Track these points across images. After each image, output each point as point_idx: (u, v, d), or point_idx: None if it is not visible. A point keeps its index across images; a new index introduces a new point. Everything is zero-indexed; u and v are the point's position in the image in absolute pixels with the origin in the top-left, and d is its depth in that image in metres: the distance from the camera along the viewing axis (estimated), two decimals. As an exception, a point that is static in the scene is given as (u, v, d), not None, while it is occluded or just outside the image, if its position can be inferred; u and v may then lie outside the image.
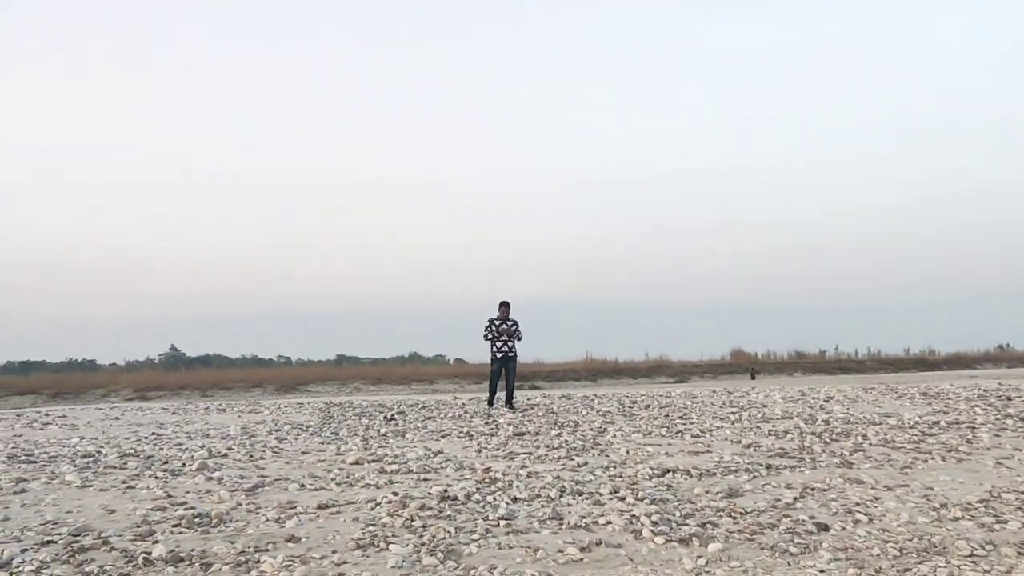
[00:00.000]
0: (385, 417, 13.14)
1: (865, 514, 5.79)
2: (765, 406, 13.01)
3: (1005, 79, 76.03)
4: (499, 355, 13.44)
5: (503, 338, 13.38)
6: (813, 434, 9.68)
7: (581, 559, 4.96)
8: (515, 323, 13.52)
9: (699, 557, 4.94)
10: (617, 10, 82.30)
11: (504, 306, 13.42)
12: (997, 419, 10.55)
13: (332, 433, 11.21)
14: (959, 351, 36.78)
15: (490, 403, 13.88)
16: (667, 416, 12.13)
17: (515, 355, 13.57)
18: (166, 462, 8.69)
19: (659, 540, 5.25)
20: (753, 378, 29.01)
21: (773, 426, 10.53)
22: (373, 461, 8.55)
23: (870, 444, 8.87)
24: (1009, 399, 12.86)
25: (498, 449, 9.32)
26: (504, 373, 13.51)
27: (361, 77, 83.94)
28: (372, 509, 6.24)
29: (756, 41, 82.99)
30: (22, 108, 73.09)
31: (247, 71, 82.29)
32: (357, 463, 8.44)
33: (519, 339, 13.55)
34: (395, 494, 6.70)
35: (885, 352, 36.51)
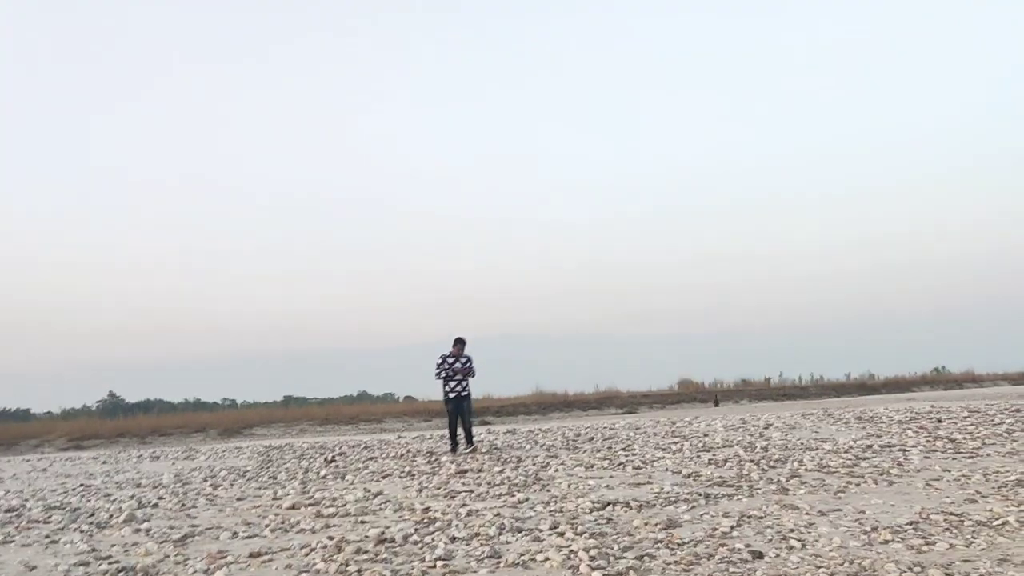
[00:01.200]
0: (325, 459, 12.92)
1: (799, 540, 5.84)
2: (706, 435, 13.11)
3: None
4: (452, 395, 12.62)
5: (456, 377, 12.58)
6: (752, 461, 9.77)
7: (517, 597, 4.90)
8: (468, 360, 12.77)
9: (635, 591, 4.92)
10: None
11: (458, 343, 12.69)
12: (928, 441, 10.78)
13: (270, 477, 10.97)
14: (898, 375, 37.73)
15: (453, 448, 12.79)
16: (610, 448, 12.14)
17: (469, 394, 12.83)
18: (92, 514, 8.38)
19: (596, 575, 5.22)
20: (716, 405, 29.31)
21: (714, 455, 10.61)
22: (310, 505, 8.37)
23: (806, 470, 8.98)
24: (940, 421, 13.18)
25: (439, 488, 9.20)
26: (460, 413, 12.73)
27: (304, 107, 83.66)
28: (306, 555, 6.10)
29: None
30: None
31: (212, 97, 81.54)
32: (293, 508, 8.26)
33: (472, 376, 12.83)
34: (331, 538, 6.56)
35: (828, 378, 37.27)
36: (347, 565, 5.68)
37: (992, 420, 12.76)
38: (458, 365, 12.58)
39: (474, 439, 12.96)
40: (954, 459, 9.28)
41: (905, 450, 10.08)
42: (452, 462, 11.55)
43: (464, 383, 12.65)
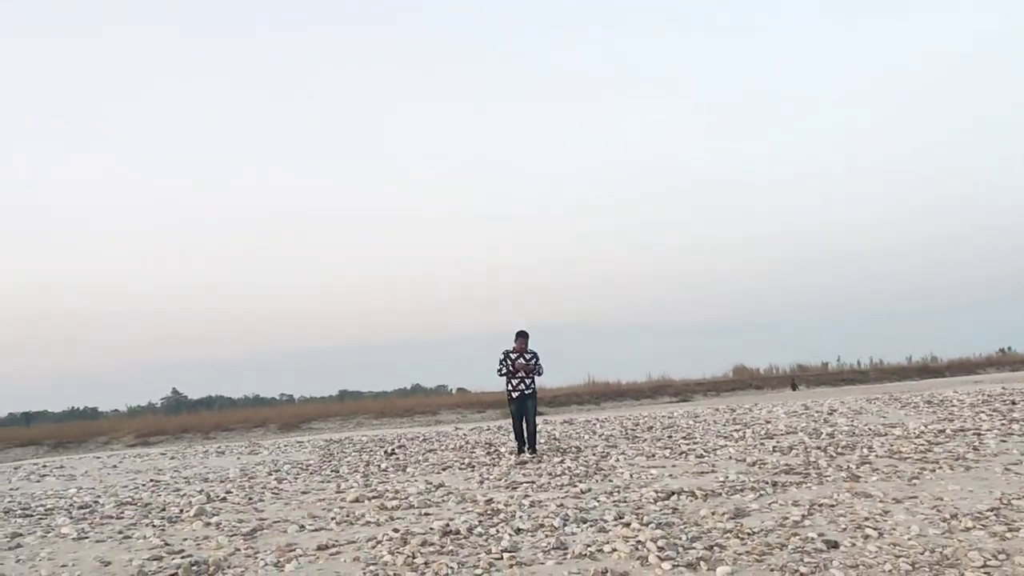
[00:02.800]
0: (385, 452, 13.01)
1: (875, 529, 5.69)
2: (768, 422, 12.88)
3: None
4: (515, 394, 11.47)
5: (519, 374, 11.42)
6: (818, 448, 9.57)
7: (587, 589, 4.85)
8: (534, 356, 11.57)
9: (707, 581, 4.84)
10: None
11: (521, 337, 11.49)
12: (1003, 424, 10.44)
13: (332, 471, 11.08)
14: (962, 357, 36.59)
15: (519, 449, 11.55)
16: (670, 437, 12.00)
17: (534, 392, 11.64)
18: (163, 509, 8.55)
19: (666, 566, 5.14)
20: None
21: (777, 442, 10.42)
22: (374, 498, 8.42)
23: (876, 456, 8.76)
24: (1014, 403, 12.75)
25: (500, 479, 9.19)
26: (524, 413, 11.54)
27: (360, 114, 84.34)
28: (373, 548, 6.12)
29: (737, 56, 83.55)
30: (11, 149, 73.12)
31: (245, 111, 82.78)
32: (357, 500, 8.32)
33: (539, 374, 11.64)
34: (396, 531, 6.58)
35: (888, 361, 36.35)
36: (414, 557, 5.68)
37: (1070, 401, 12.31)
38: (521, 362, 11.43)
39: (537, 445, 11.68)
40: (1032, 442, 8.97)
41: (980, 434, 9.77)
42: (511, 453, 11.55)
43: (529, 381, 11.53)
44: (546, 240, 75.87)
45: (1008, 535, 5.32)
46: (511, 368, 11.39)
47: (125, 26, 78.84)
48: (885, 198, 74.25)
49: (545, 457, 10.75)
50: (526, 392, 11.50)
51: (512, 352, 11.45)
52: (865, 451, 9.13)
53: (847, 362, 36.46)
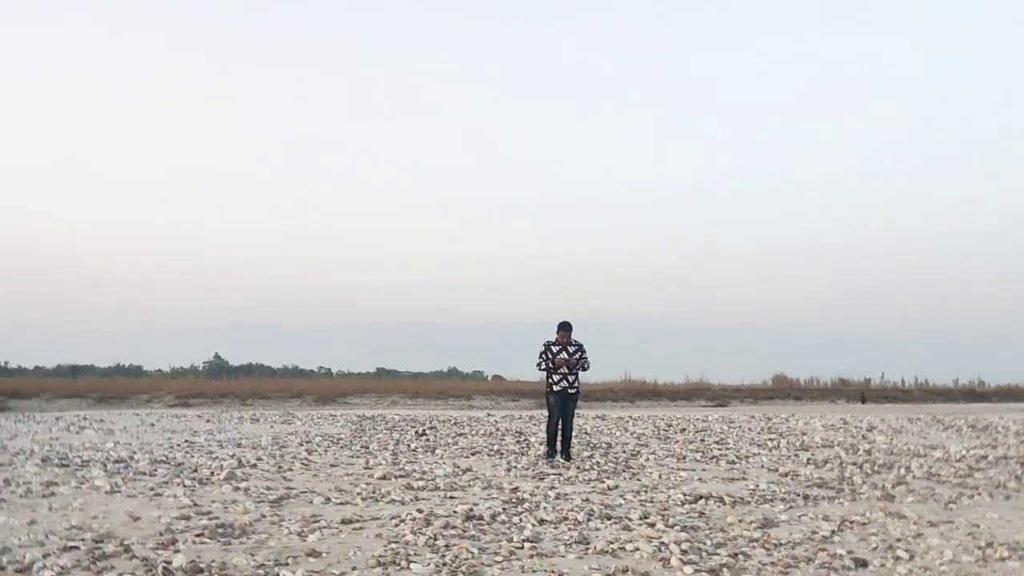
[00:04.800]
0: (416, 432, 13.08)
1: (906, 551, 5.54)
2: (805, 434, 12.69)
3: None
4: (556, 389, 10.20)
5: (561, 370, 10.17)
6: (854, 464, 9.38)
7: (607, 586, 4.81)
8: (579, 348, 10.29)
9: (729, 589, 4.76)
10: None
11: (563, 328, 10.27)
12: (1049, 455, 10.14)
13: (362, 446, 11.17)
14: (1010, 383, 35.58)
15: (549, 453, 10.22)
16: (703, 441, 11.88)
17: (577, 391, 10.35)
18: (195, 470, 8.71)
19: (688, 569, 5.07)
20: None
21: (812, 455, 10.24)
22: (400, 476, 8.47)
23: (914, 477, 8.55)
24: (1062, 435, 12.38)
25: (528, 469, 9.18)
26: (563, 415, 10.24)
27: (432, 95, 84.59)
28: (396, 526, 6.14)
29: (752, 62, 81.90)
30: (60, 119, 74.69)
31: (293, 87, 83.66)
32: (384, 478, 8.37)
33: (584, 369, 10.35)
34: (420, 511, 6.60)
35: (933, 382, 35.46)
36: (435, 539, 5.69)
37: (1121, 438, 11.90)
38: (564, 355, 10.18)
39: (572, 450, 10.43)
40: (1079, 477, 8.68)
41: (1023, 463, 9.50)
42: (541, 443, 11.46)
43: (572, 378, 10.25)
44: (594, 233, 75.62)
45: (1046, 569, 5.15)
46: (551, 362, 10.20)
47: None
48: (951, 209, 72.07)
49: (574, 451, 10.70)
50: (569, 391, 10.22)
51: (554, 344, 10.26)
52: (902, 471, 8.92)
53: (891, 380, 35.70)
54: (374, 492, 7.55)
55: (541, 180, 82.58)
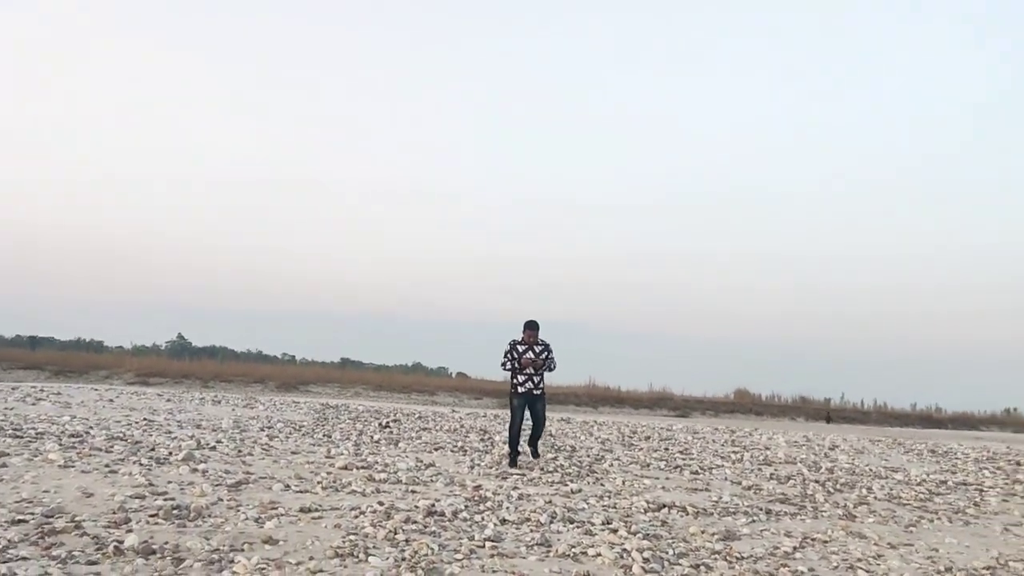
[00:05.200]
0: (380, 424, 12.95)
1: (867, 571, 5.54)
2: (768, 448, 12.74)
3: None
4: (521, 390, 9.77)
5: (527, 370, 9.76)
6: (816, 482, 9.41)
7: (567, 590, 4.75)
8: (546, 349, 9.89)
9: (690, 600, 4.72)
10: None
11: (530, 327, 9.84)
12: (1006, 484, 10.24)
13: (325, 435, 11.02)
14: (965, 411, 36.19)
15: (512, 461, 9.60)
16: (667, 449, 11.88)
17: (543, 393, 9.90)
18: (153, 449, 8.52)
19: (649, 578, 5.03)
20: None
21: (775, 470, 10.27)
22: (362, 468, 8.35)
23: (875, 498, 8.59)
24: (1019, 464, 12.54)
25: (491, 467, 9.10)
26: (532, 418, 9.89)
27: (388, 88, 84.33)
28: (355, 517, 6.04)
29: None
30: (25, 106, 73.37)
31: (280, 75, 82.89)
32: (346, 468, 8.25)
33: (550, 370, 9.97)
34: (381, 504, 6.50)
35: (891, 406, 35.95)
36: (395, 533, 5.60)
37: (1076, 471, 12.07)
38: (530, 355, 9.76)
39: (540, 452, 10.15)
40: (1034, 506, 8.78)
41: (982, 490, 9.59)
42: (488, 437, 11.39)
43: (537, 378, 9.83)
44: (564, 235, 75.72)
45: (1003, 597, 5.17)
46: (517, 362, 9.79)
47: None
48: (917, 233, 73.00)
49: (539, 452, 10.63)
50: (534, 391, 9.79)
51: (520, 343, 9.87)
52: (864, 491, 8.96)
53: (850, 400, 36.12)
54: (335, 482, 7.43)
55: (514, 179, 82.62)
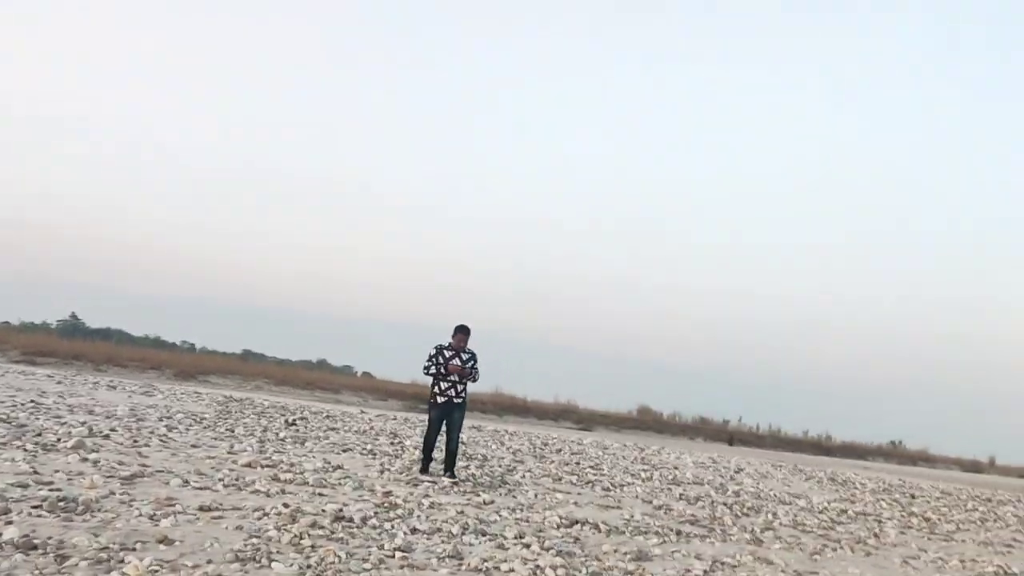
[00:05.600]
0: (286, 421, 12.48)
1: (776, 598, 5.56)
2: (676, 468, 12.85)
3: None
4: (441, 399, 9.23)
5: (451, 377, 9.24)
6: (724, 504, 9.50)
7: (479, 607, 4.58)
8: (472, 358, 9.38)
9: (604, 622, 4.61)
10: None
11: (462, 332, 9.36)
12: (903, 516, 10.60)
13: (227, 429, 10.53)
14: (854, 440, 37.68)
15: (424, 468, 9.18)
16: (578, 464, 11.83)
17: (464, 402, 9.45)
18: (39, 434, 7.95)
19: (564, 597, 4.91)
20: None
21: (684, 490, 10.34)
22: (267, 466, 7.98)
23: (780, 524, 8.72)
24: (913, 497, 13.03)
25: (402, 473, 8.85)
26: (447, 426, 9.27)
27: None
28: (259, 519, 5.74)
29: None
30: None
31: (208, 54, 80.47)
32: (249, 466, 7.87)
33: (474, 380, 9.48)
34: (286, 506, 6.19)
35: (785, 431, 37.09)
36: (301, 538, 5.33)
37: (964, 505, 12.63)
38: (456, 362, 9.26)
39: (456, 470, 9.33)
40: (929, 539, 9.10)
41: (880, 521, 9.87)
42: (399, 441, 11.09)
43: (460, 387, 9.32)
44: (473, 243, 76.15)
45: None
46: (444, 368, 9.22)
47: None
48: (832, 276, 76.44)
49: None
50: (455, 400, 9.27)
51: (447, 348, 9.32)
52: (770, 516, 9.09)
53: (746, 423, 37.09)
54: (237, 480, 7.06)
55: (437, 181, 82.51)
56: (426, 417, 9.80)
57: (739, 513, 9.06)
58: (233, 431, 10.44)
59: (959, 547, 8.77)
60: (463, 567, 5.30)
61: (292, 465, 8.22)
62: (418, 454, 9.81)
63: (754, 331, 71.27)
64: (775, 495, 11.06)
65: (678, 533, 7.45)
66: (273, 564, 4.72)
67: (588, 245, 78.89)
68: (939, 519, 10.67)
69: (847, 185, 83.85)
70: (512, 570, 5.34)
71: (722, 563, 6.42)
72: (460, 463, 10.13)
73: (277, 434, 10.73)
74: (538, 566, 5.48)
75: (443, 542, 5.85)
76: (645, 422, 33.07)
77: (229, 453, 8.53)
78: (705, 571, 6.09)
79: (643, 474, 11.51)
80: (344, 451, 10.02)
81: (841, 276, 76.46)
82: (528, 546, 6.05)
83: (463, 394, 9.35)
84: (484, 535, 6.26)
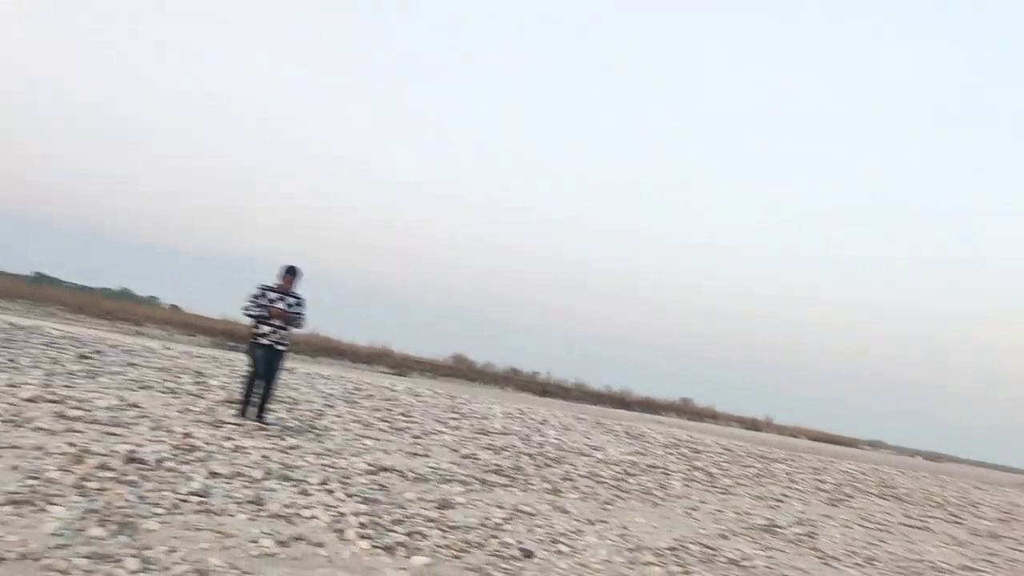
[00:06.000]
0: (80, 354, 11.62)
1: (568, 546, 5.87)
2: (486, 418, 13.15)
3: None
4: (264, 342, 8.65)
5: (274, 321, 8.67)
6: (528, 455, 9.85)
7: (276, 554, 4.53)
8: (299, 302, 8.89)
9: (403, 569, 4.69)
10: None
11: (291, 274, 8.86)
12: (688, 469, 11.42)
13: (9, 360, 9.66)
14: (650, 397, 40.30)
15: (243, 410, 8.77)
16: (389, 410, 11.84)
17: (287, 347, 8.96)
18: None
19: (364, 544, 4.95)
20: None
21: (492, 440, 10.62)
22: (53, 402, 7.40)
23: (579, 475, 9.17)
24: (698, 451, 14.07)
25: (205, 414, 8.49)
26: (267, 371, 8.77)
27: None
28: (38, 459, 5.33)
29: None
30: None
31: None
32: (32, 400, 7.27)
33: (298, 326, 9.02)
34: (72, 445, 5.80)
35: (589, 385, 39.00)
36: (86, 480, 5.02)
37: (742, 461, 13.78)
38: (280, 306, 8.70)
39: (269, 416, 8.95)
40: (709, 492, 9.87)
41: (668, 474, 10.60)
42: (203, 381, 10.66)
43: (284, 331, 8.80)
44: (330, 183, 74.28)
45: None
46: (267, 310, 8.65)
47: None
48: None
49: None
50: (277, 346, 8.75)
51: (272, 290, 8.76)
52: (569, 468, 9.53)
53: (555, 376, 38.65)
54: (17, 415, 6.52)
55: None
56: (240, 357, 9.29)
57: (541, 464, 9.43)
58: (15, 361, 9.60)
59: (736, 500, 9.59)
60: (263, 513, 5.20)
61: (82, 401, 7.68)
62: (225, 395, 9.50)
63: (574, 292, 74.70)
64: (576, 447, 11.60)
65: (483, 482, 7.66)
66: (52, 507, 4.42)
67: (413, 201, 79.35)
68: (719, 473, 11.62)
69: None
70: (314, 517, 5.31)
71: (521, 512, 6.68)
72: (268, 406, 9.87)
73: (67, 367, 9.98)
74: (341, 513, 5.47)
75: (244, 487, 5.71)
76: (459, 370, 33.66)
77: (9, 386, 7.84)
78: (505, 519, 6.31)
79: (452, 423, 11.70)
80: (142, 388, 9.47)
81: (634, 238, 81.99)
82: (332, 492, 6.03)
83: (286, 340, 8.86)
84: (288, 480, 6.16)
